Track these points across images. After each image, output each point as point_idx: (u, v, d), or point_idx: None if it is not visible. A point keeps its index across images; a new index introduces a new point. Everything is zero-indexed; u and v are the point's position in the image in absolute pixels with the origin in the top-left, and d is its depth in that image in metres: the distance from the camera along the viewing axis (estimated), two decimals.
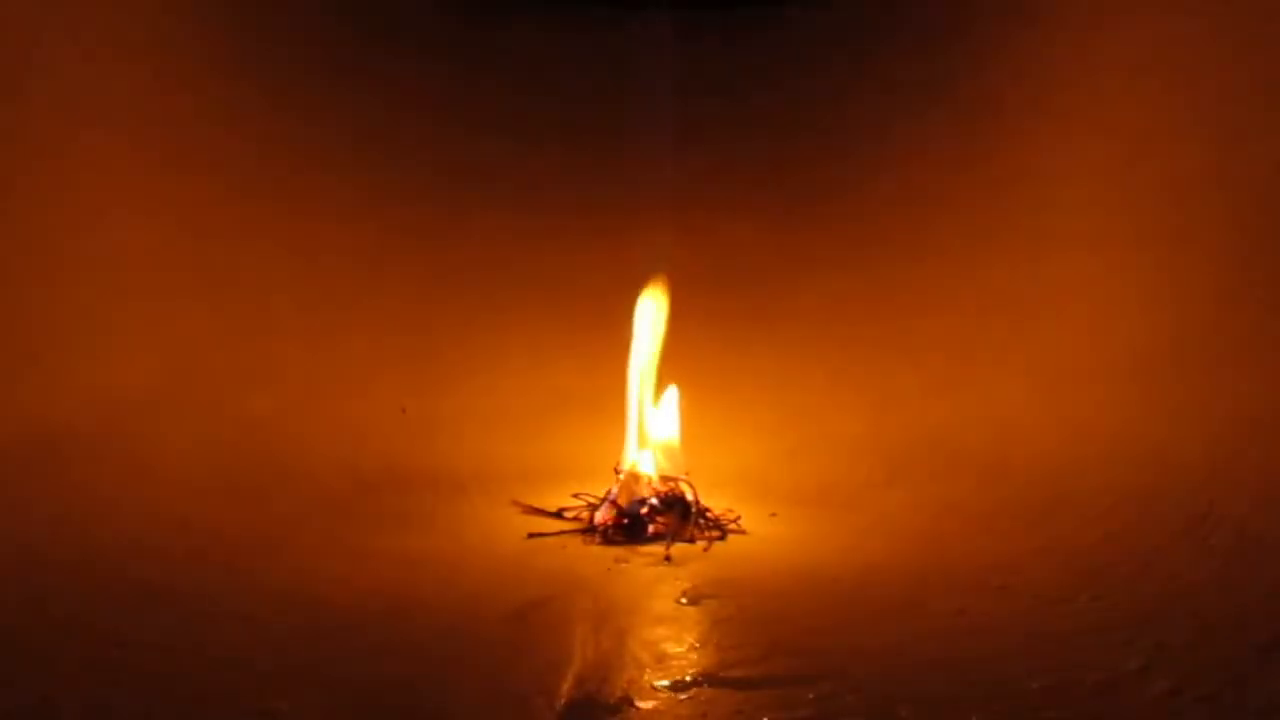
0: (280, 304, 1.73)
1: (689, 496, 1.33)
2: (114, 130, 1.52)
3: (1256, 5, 1.19)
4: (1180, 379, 1.25)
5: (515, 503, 1.41)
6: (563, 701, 0.75)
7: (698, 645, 0.88)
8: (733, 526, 1.31)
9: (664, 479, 1.36)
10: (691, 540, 1.26)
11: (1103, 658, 0.82)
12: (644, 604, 1.01)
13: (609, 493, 1.34)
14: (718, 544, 1.25)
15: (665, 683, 0.79)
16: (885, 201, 1.79)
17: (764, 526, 1.33)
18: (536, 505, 1.39)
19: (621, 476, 1.36)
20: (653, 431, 1.45)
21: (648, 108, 1.93)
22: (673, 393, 1.48)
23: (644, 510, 1.29)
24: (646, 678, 0.80)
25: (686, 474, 1.37)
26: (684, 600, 1.02)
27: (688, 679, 0.80)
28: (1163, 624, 0.88)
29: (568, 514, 1.35)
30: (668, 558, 1.18)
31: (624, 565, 1.15)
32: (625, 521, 1.28)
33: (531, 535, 1.27)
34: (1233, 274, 1.20)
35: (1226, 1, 1.23)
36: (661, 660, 0.84)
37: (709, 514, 1.32)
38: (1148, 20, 1.34)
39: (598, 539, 1.26)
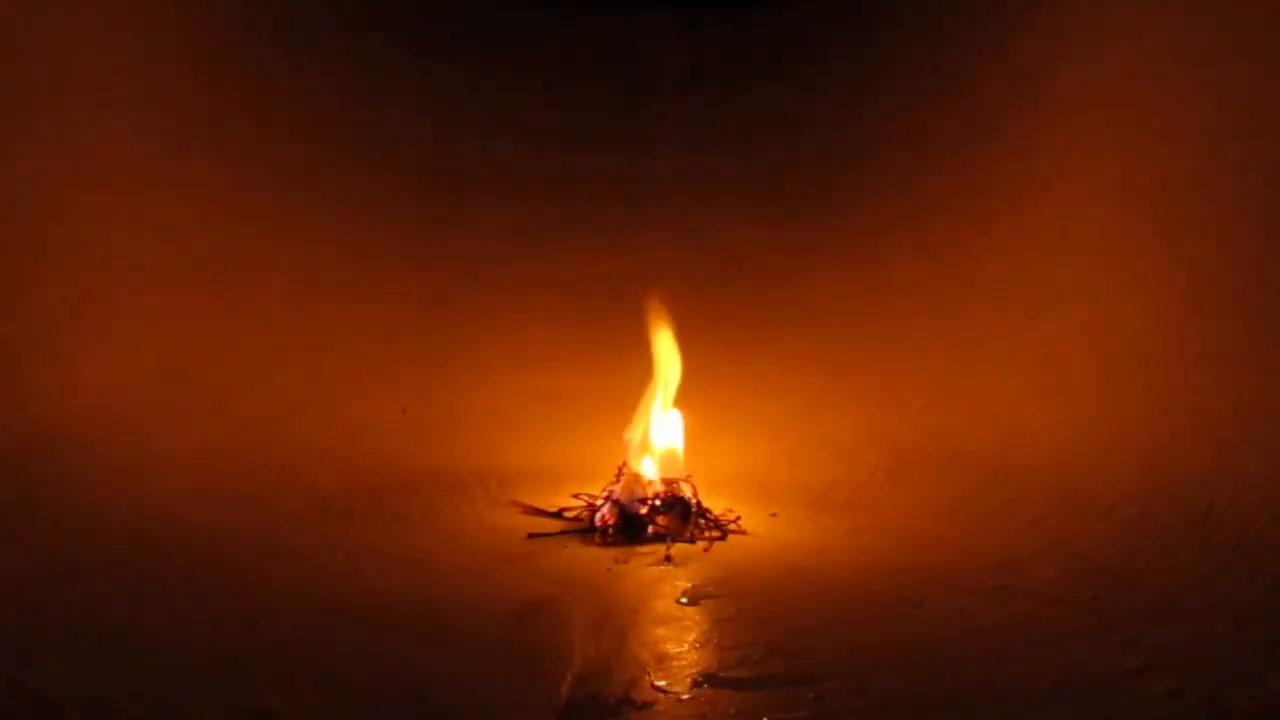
0: (280, 304, 1.73)
1: (689, 496, 1.33)
2: (113, 135, 1.52)
3: (1259, 6, 1.18)
4: (1180, 379, 1.25)
5: (515, 503, 1.41)
6: (563, 701, 0.75)
7: (698, 645, 0.88)
8: (733, 526, 1.31)
9: (665, 480, 1.36)
10: (691, 540, 1.26)
11: (1103, 658, 0.82)
12: (644, 604, 1.01)
13: (609, 492, 1.34)
14: (718, 544, 1.25)
15: (665, 683, 0.79)
16: (886, 201, 1.78)
17: (764, 526, 1.33)
18: (536, 505, 1.39)
19: (623, 475, 1.36)
20: (655, 440, 1.45)
21: (650, 108, 1.93)
22: (675, 415, 1.48)
23: (644, 510, 1.29)
24: (646, 678, 0.80)
25: (688, 476, 1.37)
26: (684, 600, 1.02)
27: (688, 679, 0.80)
28: (1163, 624, 0.88)
29: (568, 514, 1.35)
30: (668, 558, 1.18)
31: (624, 565, 1.15)
32: (624, 521, 1.28)
33: (531, 535, 1.27)
34: (1233, 273, 1.20)
35: (1230, 2, 1.23)
36: (661, 660, 0.84)
37: (709, 514, 1.32)
38: (1149, 20, 1.34)
39: (598, 539, 1.26)
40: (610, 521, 1.29)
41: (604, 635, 0.89)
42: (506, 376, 1.78)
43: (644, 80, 1.94)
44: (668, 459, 1.42)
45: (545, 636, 0.89)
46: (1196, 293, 1.25)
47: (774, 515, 1.37)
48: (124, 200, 1.55)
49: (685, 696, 0.77)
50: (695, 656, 0.85)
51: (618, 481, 1.36)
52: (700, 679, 0.80)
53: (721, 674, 0.81)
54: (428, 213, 1.86)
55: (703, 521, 1.30)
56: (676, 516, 1.29)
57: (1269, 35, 1.17)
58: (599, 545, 1.24)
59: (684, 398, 1.50)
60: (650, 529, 1.27)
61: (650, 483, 1.35)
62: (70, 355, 1.45)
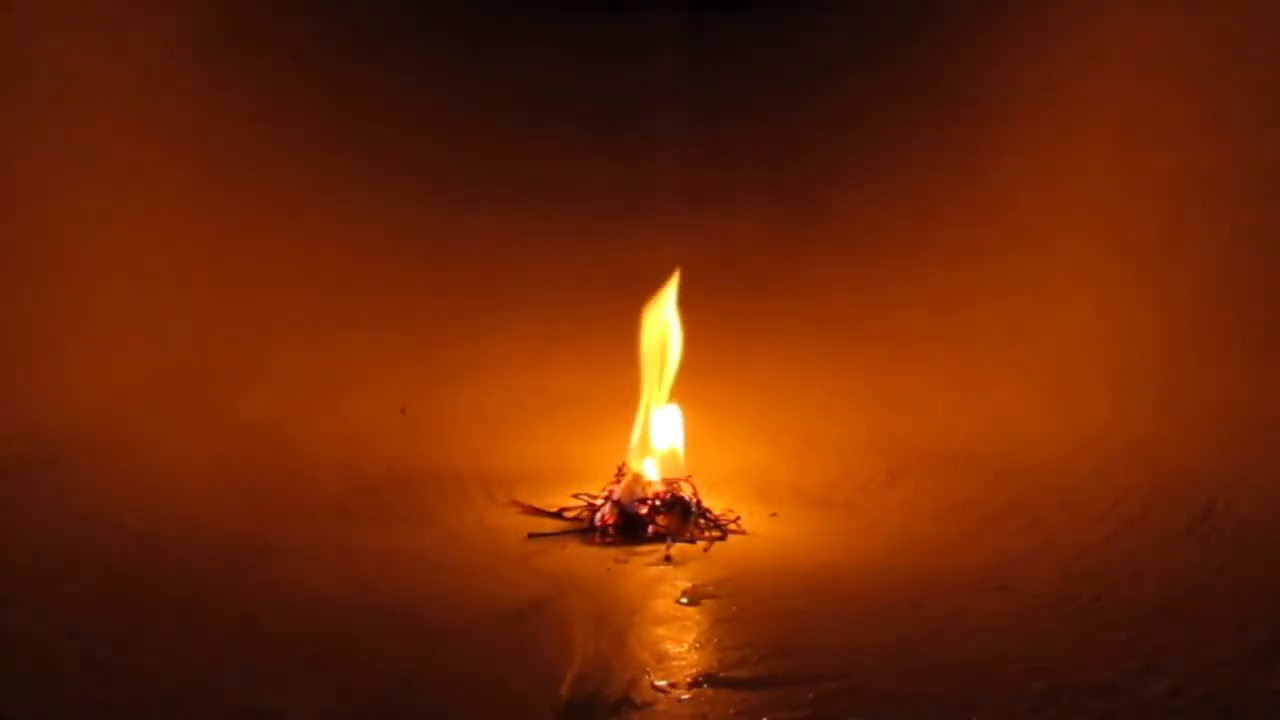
0: (280, 304, 1.73)
1: (689, 496, 1.33)
2: (112, 133, 1.52)
3: (1258, 5, 1.19)
4: (1181, 379, 1.25)
5: (515, 503, 1.41)
6: (563, 701, 0.75)
7: (698, 645, 0.88)
8: (733, 526, 1.31)
9: (665, 481, 1.36)
10: (691, 540, 1.26)
11: (1103, 658, 0.82)
12: (644, 604, 1.00)
13: (610, 492, 1.34)
14: (718, 544, 1.25)
15: (665, 683, 0.79)
16: (887, 201, 1.79)
17: (764, 526, 1.33)
18: (536, 505, 1.39)
19: (625, 475, 1.36)
20: (655, 440, 1.45)
21: (651, 108, 1.93)
22: (674, 410, 1.48)
23: (644, 510, 1.29)
24: (646, 678, 0.80)
25: (688, 476, 1.37)
26: (684, 600, 1.02)
27: (688, 679, 0.80)
28: (1163, 624, 0.88)
29: (568, 514, 1.35)
30: (668, 558, 1.18)
31: (624, 565, 1.15)
32: (624, 521, 1.28)
33: (531, 535, 1.27)
34: (1234, 273, 1.20)
35: (1229, 2, 1.23)
36: (661, 660, 0.84)
37: (709, 514, 1.32)
38: (1148, 20, 1.35)
39: (598, 539, 1.26)
40: (610, 521, 1.29)
41: (604, 635, 0.89)
42: (507, 376, 1.78)
43: (646, 81, 1.94)
44: (668, 459, 1.42)
45: (545, 636, 0.89)
46: (1197, 293, 1.25)
47: (774, 515, 1.37)
48: (122, 200, 1.54)
49: (685, 696, 0.77)
50: (695, 656, 0.85)
51: (618, 481, 1.36)
52: (700, 679, 0.80)
53: (721, 674, 0.81)
54: (428, 213, 1.86)
55: (703, 521, 1.30)
56: (676, 516, 1.29)
57: (1270, 35, 1.17)
58: (599, 545, 1.24)
59: (684, 397, 1.50)
60: (650, 529, 1.27)
61: (650, 483, 1.35)
62: (70, 356, 1.44)
